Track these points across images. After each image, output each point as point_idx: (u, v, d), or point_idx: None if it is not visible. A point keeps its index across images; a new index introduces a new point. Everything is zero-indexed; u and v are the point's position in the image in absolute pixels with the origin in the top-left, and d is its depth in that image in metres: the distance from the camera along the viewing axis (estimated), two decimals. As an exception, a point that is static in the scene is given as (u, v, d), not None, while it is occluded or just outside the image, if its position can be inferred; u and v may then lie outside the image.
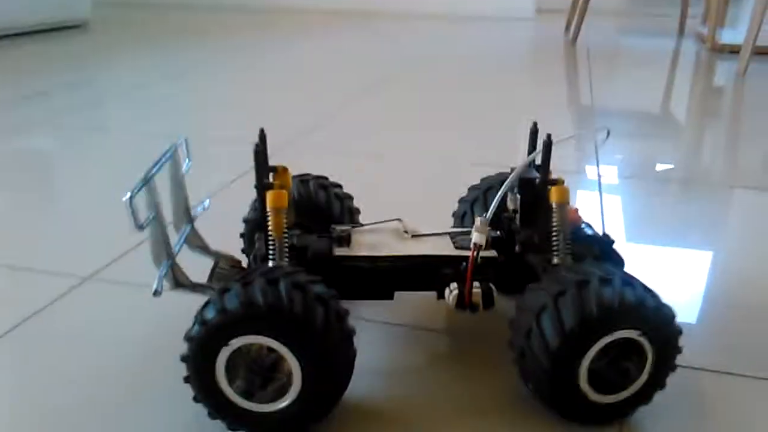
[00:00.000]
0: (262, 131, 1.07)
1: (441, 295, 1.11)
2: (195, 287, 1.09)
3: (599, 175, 2.10)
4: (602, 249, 1.14)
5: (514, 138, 2.62)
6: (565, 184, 1.08)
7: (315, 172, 1.34)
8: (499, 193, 1.07)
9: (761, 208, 1.95)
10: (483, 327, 1.25)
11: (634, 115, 2.91)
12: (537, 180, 1.10)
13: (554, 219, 1.07)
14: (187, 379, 0.94)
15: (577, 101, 3.26)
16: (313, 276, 0.97)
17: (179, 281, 1.07)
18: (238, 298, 0.90)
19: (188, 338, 0.92)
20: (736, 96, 3.52)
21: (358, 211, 1.34)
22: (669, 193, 2.06)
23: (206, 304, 0.94)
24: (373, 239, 1.16)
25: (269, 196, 1.04)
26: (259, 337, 0.91)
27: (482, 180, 1.36)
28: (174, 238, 1.11)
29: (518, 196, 1.12)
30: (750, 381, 1.13)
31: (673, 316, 0.95)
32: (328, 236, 1.15)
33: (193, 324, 0.93)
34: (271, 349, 0.94)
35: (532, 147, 1.14)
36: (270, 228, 1.05)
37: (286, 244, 1.05)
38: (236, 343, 0.91)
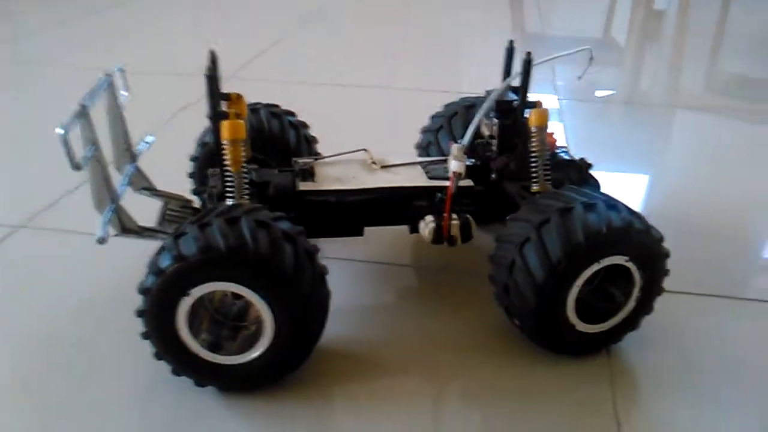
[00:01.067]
0: (212, 53, 0.94)
1: (414, 229, 1.04)
2: (144, 232, 0.99)
3: (559, 100, 2.04)
4: (579, 174, 1.09)
5: (463, 64, 2.53)
6: (543, 106, 1.01)
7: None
8: (476, 117, 0.99)
9: (702, 126, 1.96)
10: (455, 261, 1.20)
11: (579, 41, 2.86)
12: (515, 103, 1.02)
13: (533, 144, 1.00)
14: (145, 335, 0.85)
15: (523, 27, 3.18)
16: (277, 213, 0.88)
17: (126, 226, 0.97)
18: (195, 243, 0.80)
19: (143, 290, 0.82)
20: (677, 20, 3.52)
21: (315, 140, 1.24)
22: (614, 114, 2.05)
23: (160, 250, 0.84)
24: (339, 172, 1.07)
25: (225, 126, 0.93)
26: (223, 283, 0.82)
27: (446, 106, 1.27)
28: (116, 179, 1.00)
29: (495, 120, 1.04)
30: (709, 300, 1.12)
31: (660, 239, 0.91)
32: (290, 170, 1.06)
33: (147, 274, 0.83)
34: (237, 296, 0.86)
35: (507, 68, 1.06)
36: (227, 162, 0.94)
37: (246, 180, 0.95)
38: (197, 292, 0.82)
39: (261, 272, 0.81)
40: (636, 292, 0.92)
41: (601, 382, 0.93)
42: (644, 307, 0.94)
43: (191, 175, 1.20)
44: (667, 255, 0.92)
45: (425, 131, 1.27)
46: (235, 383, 0.88)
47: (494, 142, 1.06)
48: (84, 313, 1.06)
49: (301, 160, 1.08)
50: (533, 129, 1.00)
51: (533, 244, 0.88)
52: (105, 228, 0.89)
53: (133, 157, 1.07)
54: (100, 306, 1.08)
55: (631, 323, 0.95)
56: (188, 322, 0.84)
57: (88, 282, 1.14)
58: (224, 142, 0.94)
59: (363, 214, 1.03)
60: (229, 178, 0.95)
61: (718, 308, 1.10)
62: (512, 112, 1.02)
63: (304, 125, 1.22)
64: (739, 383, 0.94)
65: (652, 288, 0.93)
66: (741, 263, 1.25)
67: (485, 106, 0.98)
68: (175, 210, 1.07)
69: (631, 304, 0.93)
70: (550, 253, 0.86)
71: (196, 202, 1.14)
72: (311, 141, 1.22)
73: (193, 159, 1.18)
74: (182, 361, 0.87)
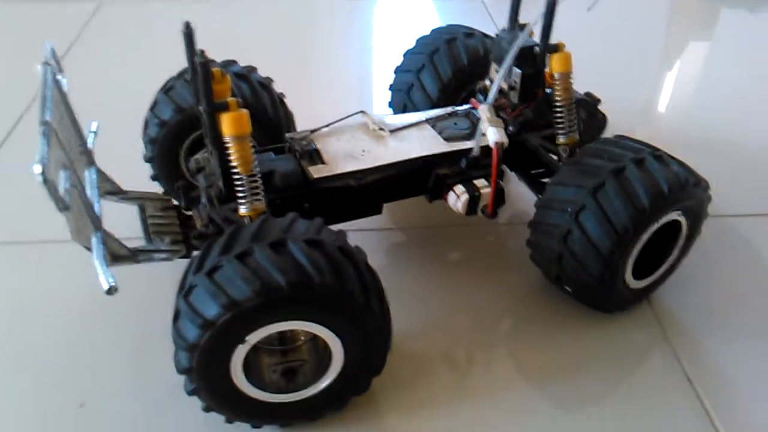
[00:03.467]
0: (187, 25, 0.74)
1: (435, 197, 0.95)
2: (138, 255, 0.81)
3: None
4: (588, 112, 1.02)
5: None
6: (566, 49, 0.92)
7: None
8: (501, 70, 0.88)
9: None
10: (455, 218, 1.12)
11: None
12: (537, 49, 0.92)
13: (558, 92, 0.92)
14: (192, 392, 0.72)
15: None
16: (317, 221, 0.75)
17: (116, 254, 0.79)
18: (247, 284, 0.66)
19: (187, 346, 0.68)
20: None
21: (284, 96, 1.06)
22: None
23: (190, 290, 0.69)
24: (346, 145, 0.92)
25: (228, 120, 0.76)
26: (285, 323, 0.70)
27: (419, 42, 1.13)
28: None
29: (517, 70, 0.93)
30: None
31: (707, 188, 0.88)
32: (291, 151, 0.90)
33: (181, 322, 0.69)
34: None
35: (515, 11, 0.93)
36: (234, 163, 0.78)
37: (257, 181, 0.80)
38: (255, 337, 0.70)
39: (329, 305, 0.69)
40: (682, 241, 0.90)
41: (650, 326, 0.93)
42: (686, 251, 0.93)
43: (149, 160, 1.00)
44: (710, 200, 0.90)
45: (402, 71, 1.14)
46: (297, 417, 0.78)
47: (513, 93, 0.96)
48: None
49: (297, 137, 0.92)
50: (556, 76, 0.91)
51: (592, 213, 0.82)
52: (109, 272, 0.72)
53: (91, 159, 0.86)
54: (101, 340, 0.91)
55: (674, 268, 0.94)
56: (244, 369, 0.72)
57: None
58: (227, 138, 0.77)
59: (384, 191, 0.92)
60: (238, 182, 0.79)
61: (748, 228, 1.12)
62: (534, 59, 0.92)
63: (271, 81, 1.04)
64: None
65: (695, 233, 0.92)
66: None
67: (510, 56, 0.87)
68: (157, 216, 0.89)
69: (676, 253, 0.91)
70: (614, 222, 0.81)
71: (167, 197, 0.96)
72: (284, 102, 1.04)
73: (151, 142, 0.98)
74: (240, 409, 0.75)
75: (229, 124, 0.76)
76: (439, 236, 1.08)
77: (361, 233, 1.03)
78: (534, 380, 0.86)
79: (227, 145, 0.78)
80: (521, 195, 1.10)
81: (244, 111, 0.77)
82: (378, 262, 1.01)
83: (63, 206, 0.67)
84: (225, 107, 0.77)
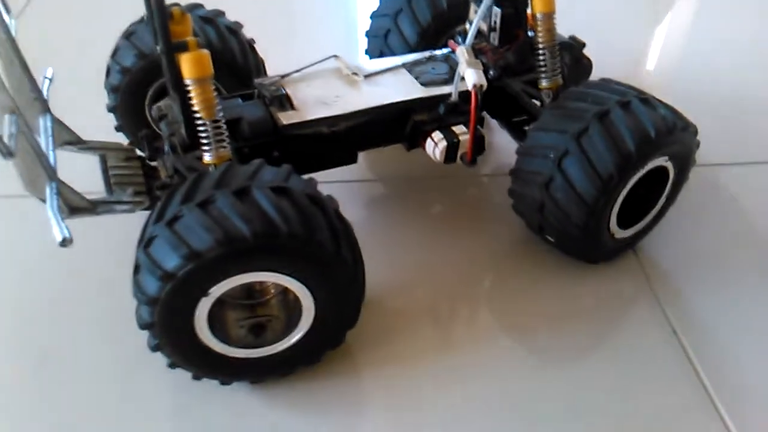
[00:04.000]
0: None
1: (413, 146, 0.91)
2: (98, 207, 0.77)
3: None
4: (572, 55, 0.98)
5: None
6: (547, -14, 0.86)
7: None
8: (480, 10, 0.83)
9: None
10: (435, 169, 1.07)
11: None
12: (518, -15, 0.87)
13: (540, 33, 0.87)
14: (156, 348, 0.69)
15: None
16: (284, 167, 0.71)
17: (74, 205, 0.75)
18: (209, 233, 0.62)
19: (148, 300, 0.65)
20: None
21: (254, 42, 1.00)
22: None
23: (150, 241, 0.65)
24: (317, 90, 0.88)
25: (188, 61, 0.71)
26: (250, 274, 0.66)
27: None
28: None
29: (497, 9, 0.88)
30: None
31: (695, 132, 0.85)
32: (259, 97, 0.86)
33: (141, 275, 0.65)
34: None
35: None
36: (196, 108, 0.73)
37: (221, 126, 0.75)
38: (218, 290, 0.66)
39: (298, 256, 0.66)
40: (668, 188, 0.87)
41: (636, 277, 0.90)
42: (673, 199, 0.90)
43: (112, 110, 0.95)
44: (698, 145, 0.86)
45: (378, 15, 1.08)
46: (267, 373, 0.75)
47: (493, 35, 0.91)
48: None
49: (266, 82, 0.87)
50: (539, 16, 0.86)
51: (576, 158, 0.78)
52: (63, 224, 0.67)
53: (45, 106, 0.81)
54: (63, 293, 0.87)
55: (660, 217, 0.91)
56: (209, 322, 0.68)
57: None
58: (188, 81, 0.72)
59: (358, 139, 0.87)
60: (201, 128, 0.74)
61: (734, 178, 1.09)
62: (514, -3, 0.87)
63: (240, 26, 0.98)
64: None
65: (682, 180, 0.88)
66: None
67: (488, -2, 0.82)
68: (119, 166, 0.84)
69: (662, 201, 0.88)
70: (598, 167, 0.77)
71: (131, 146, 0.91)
72: (254, 48, 0.99)
73: (113, 90, 0.93)
74: (206, 366, 0.72)
75: (188, 66, 0.71)
76: (419, 188, 1.04)
77: (336, 185, 0.99)
78: (517, 333, 0.84)
79: (188, 89, 0.73)
80: (505, 146, 1.05)
81: (205, 51, 0.72)
82: (354, 215, 0.96)
83: (7, 152, 0.62)
84: (184, 47, 0.72)
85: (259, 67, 0.98)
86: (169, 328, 0.67)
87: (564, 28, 0.94)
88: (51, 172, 0.71)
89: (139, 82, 0.91)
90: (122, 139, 0.96)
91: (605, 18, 1.54)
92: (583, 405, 0.76)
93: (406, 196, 1.03)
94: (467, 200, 1.04)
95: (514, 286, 0.90)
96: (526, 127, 0.93)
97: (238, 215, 0.63)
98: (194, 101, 0.73)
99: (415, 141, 0.89)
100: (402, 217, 0.99)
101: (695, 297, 0.88)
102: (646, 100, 0.82)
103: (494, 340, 0.83)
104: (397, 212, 1.00)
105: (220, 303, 0.69)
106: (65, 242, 0.66)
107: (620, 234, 0.86)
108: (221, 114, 0.75)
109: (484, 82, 0.81)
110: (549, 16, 0.86)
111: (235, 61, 0.93)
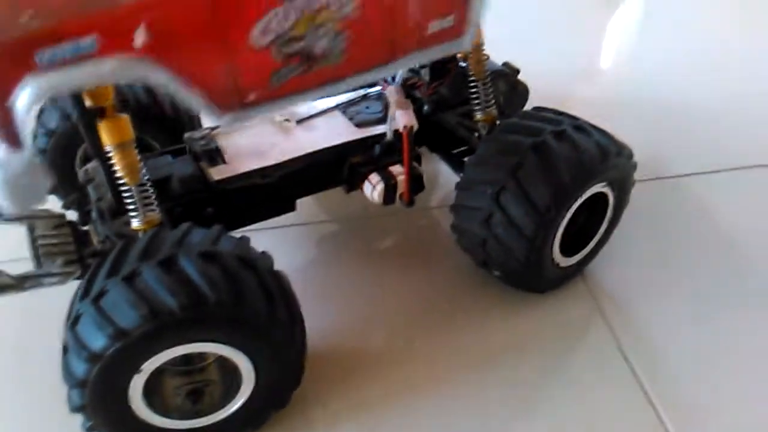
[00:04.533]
0: None
1: (351, 188, 0.89)
2: (24, 283, 0.74)
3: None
4: (507, 83, 0.98)
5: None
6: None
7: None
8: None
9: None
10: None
11: None
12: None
13: (470, 66, 0.86)
14: (90, 428, 0.66)
15: None
16: (214, 229, 0.69)
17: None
18: (134, 309, 0.60)
19: (76, 383, 0.62)
20: None
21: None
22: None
23: (76, 320, 0.63)
24: (250, 141, 0.86)
25: (106, 128, 0.68)
26: (182, 347, 0.64)
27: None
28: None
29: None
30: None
31: (630, 156, 0.84)
32: (189, 152, 0.84)
33: (69, 357, 0.63)
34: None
35: None
36: (120, 174, 0.71)
37: (148, 190, 0.73)
38: (150, 365, 0.64)
39: (230, 324, 0.64)
40: (609, 213, 0.87)
41: (584, 302, 0.90)
42: (615, 222, 0.90)
43: (41, 171, 0.92)
44: (635, 167, 0.86)
45: None
46: (218, 438, 0.73)
47: (424, 71, 0.90)
48: None
49: (196, 135, 0.85)
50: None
51: (512, 193, 0.78)
52: (-18, 308, 0.65)
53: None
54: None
55: (604, 241, 0.91)
56: (145, 398, 0.66)
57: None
58: (109, 147, 0.70)
59: (295, 187, 0.86)
60: (127, 193, 0.72)
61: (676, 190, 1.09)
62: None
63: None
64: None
65: (623, 203, 0.88)
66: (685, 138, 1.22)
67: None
68: (48, 235, 0.81)
69: (605, 225, 0.88)
70: (535, 201, 0.77)
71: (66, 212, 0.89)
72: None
73: (41, 152, 0.90)
74: (149, 441, 0.69)
75: (107, 132, 0.69)
76: (365, 227, 1.03)
77: (278, 230, 0.97)
78: (475, 368, 0.83)
79: (109, 155, 0.71)
80: (453, 175, 1.05)
81: (124, 116, 0.70)
82: (296, 261, 0.96)
83: None
84: (101, 113, 0.69)
85: (193, 118, 0.96)
86: (103, 409, 0.64)
87: (499, 53, 0.93)
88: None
89: (66, 144, 0.89)
90: (55, 202, 0.93)
91: (538, 37, 1.54)
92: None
93: (352, 236, 1.02)
94: (415, 235, 1.03)
95: (467, 320, 0.88)
96: (465, 159, 0.92)
97: (164, 287, 0.61)
98: (117, 167, 0.71)
99: (354, 184, 0.88)
100: (348, 258, 0.98)
101: (645, 319, 0.88)
102: (579, 127, 0.81)
103: (449, 378, 0.82)
104: (344, 253, 0.99)
105: (156, 372, 0.67)
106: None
107: (565, 262, 0.86)
108: (146, 177, 0.73)
109: (415, 123, 0.80)
110: (478, 47, 0.85)
111: (165, 115, 0.91)
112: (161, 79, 0.58)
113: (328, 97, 0.75)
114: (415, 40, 0.69)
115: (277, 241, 0.96)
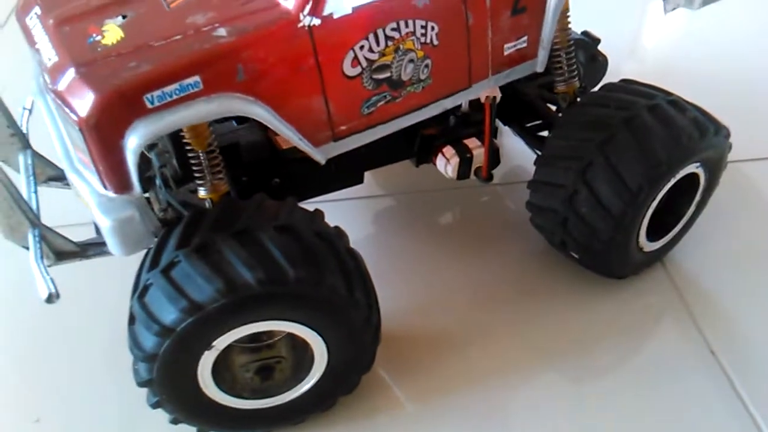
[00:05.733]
0: None
1: (423, 161, 0.85)
2: (87, 250, 0.71)
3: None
4: (587, 53, 0.92)
5: None
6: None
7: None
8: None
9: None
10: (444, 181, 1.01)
11: None
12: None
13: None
14: (156, 405, 0.63)
15: None
16: (288, 201, 0.65)
17: (61, 250, 0.69)
18: (209, 283, 0.57)
19: (145, 357, 0.59)
20: None
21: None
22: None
23: (145, 290, 0.60)
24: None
25: None
26: (257, 324, 0.61)
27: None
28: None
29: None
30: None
31: (728, 135, 0.78)
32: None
33: (137, 328, 0.59)
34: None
35: None
36: (188, 138, 0.67)
37: (216, 157, 0.69)
38: (223, 342, 0.61)
39: (307, 302, 0.60)
40: (698, 196, 0.81)
41: (665, 291, 0.84)
42: (703, 206, 0.84)
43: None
44: (730, 148, 0.80)
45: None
46: (278, 423, 0.70)
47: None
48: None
49: (262, 100, 0.81)
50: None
51: (601, 170, 0.72)
52: (49, 277, 0.61)
53: (24, 142, 0.75)
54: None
55: (689, 226, 0.85)
56: (213, 375, 0.63)
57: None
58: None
59: (364, 159, 0.81)
60: (194, 160, 0.68)
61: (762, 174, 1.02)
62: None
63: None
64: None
65: (713, 186, 0.82)
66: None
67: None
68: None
69: (692, 209, 0.82)
70: (627, 180, 0.72)
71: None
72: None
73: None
74: (213, 419, 0.67)
75: (176, 94, 0.65)
76: (428, 201, 0.98)
77: (342, 203, 0.93)
78: (543, 358, 0.79)
79: (177, 123, 0.67)
80: (517, 149, 0.99)
81: (195, 77, 0.66)
82: (362, 235, 0.92)
83: (-17, 205, 0.56)
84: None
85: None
86: (171, 385, 0.61)
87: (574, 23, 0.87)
88: (32, 217, 0.65)
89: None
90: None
91: (607, 9, 1.46)
92: (618, 430, 0.72)
93: (415, 211, 0.97)
94: (480, 212, 0.98)
95: (535, 304, 0.84)
96: (542, 133, 0.87)
97: (240, 261, 0.57)
98: (184, 131, 0.67)
99: (425, 157, 0.83)
100: (412, 234, 0.94)
101: (732, 309, 0.83)
102: (674, 102, 0.76)
103: (520, 366, 0.77)
104: (406, 229, 0.95)
105: (224, 349, 0.63)
106: (51, 298, 0.60)
107: (649, 247, 0.81)
108: (215, 143, 0.69)
109: (498, 93, 0.75)
110: (563, 13, 0.80)
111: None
112: (260, 113, 0.60)
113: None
114: (492, 63, 0.72)
115: (339, 213, 0.92)
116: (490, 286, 0.86)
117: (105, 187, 0.58)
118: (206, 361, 0.61)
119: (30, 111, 0.79)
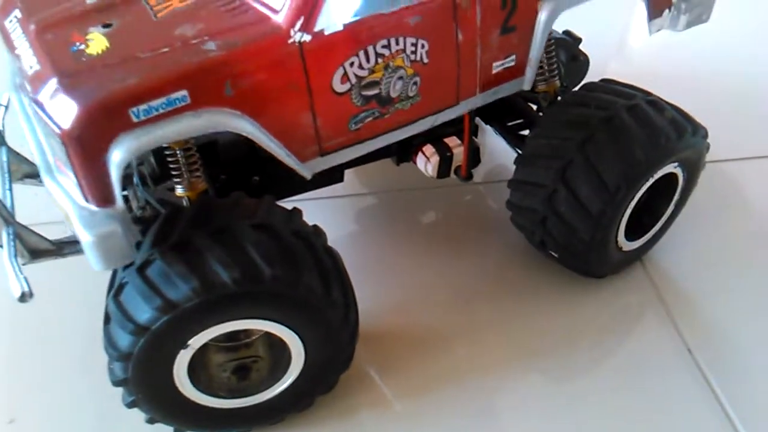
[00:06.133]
0: None
1: (403, 160, 0.84)
2: (63, 249, 0.70)
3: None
4: (568, 53, 0.92)
5: None
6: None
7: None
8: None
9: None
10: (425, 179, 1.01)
11: None
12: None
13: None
14: (132, 404, 0.63)
15: None
16: (266, 199, 0.65)
17: (36, 248, 0.68)
18: (185, 281, 0.56)
19: (120, 356, 0.58)
20: None
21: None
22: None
23: (120, 289, 0.59)
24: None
25: None
26: (233, 323, 0.60)
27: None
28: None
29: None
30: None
31: (706, 135, 0.79)
32: None
33: (112, 327, 0.59)
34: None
35: None
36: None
37: (194, 154, 0.68)
38: (198, 341, 0.60)
39: (284, 301, 0.60)
40: (677, 196, 0.82)
41: (644, 290, 0.85)
42: (681, 206, 0.85)
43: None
44: (708, 148, 0.81)
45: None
46: (255, 422, 0.69)
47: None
48: None
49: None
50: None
51: (580, 169, 0.73)
52: (22, 276, 0.60)
53: (0, 137, 0.74)
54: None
55: (668, 225, 0.86)
56: (189, 374, 0.62)
57: None
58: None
59: None
60: (171, 158, 0.68)
61: (739, 173, 1.03)
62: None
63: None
64: None
65: (692, 186, 0.83)
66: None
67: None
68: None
69: (670, 209, 0.83)
70: (605, 179, 0.72)
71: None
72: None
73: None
74: (189, 419, 0.66)
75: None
76: (409, 200, 0.98)
77: (322, 201, 0.93)
78: (523, 356, 0.79)
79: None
80: (499, 148, 0.99)
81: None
82: (342, 234, 0.92)
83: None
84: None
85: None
86: (146, 384, 0.61)
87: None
88: (7, 215, 0.64)
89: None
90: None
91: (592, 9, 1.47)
92: (599, 428, 0.72)
93: (396, 210, 0.97)
94: (461, 211, 0.98)
95: (515, 304, 0.84)
96: (524, 132, 0.87)
97: (216, 259, 0.57)
98: (162, 129, 0.66)
99: (406, 155, 0.83)
100: (392, 233, 0.93)
101: (709, 307, 0.84)
102: (653, 102, 0.76)
103: (500, 365, 0.78)
104: (387, 228, 0.95)
105: (201, 347, 0.63)
106: (24, 297, 0.59)
107: (628, 246, 0.81)
108: (193, 140, 0.68)
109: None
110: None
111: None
112: (248, 128, 0.59)
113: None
114: (480, 81, 0.72)
115: (318, 212, 0.92)
116: (470, 285, 0.86)
117: (86, 200, 0.56)
118: (182, 360, 0.60)
119: (6, 107, 0.78)
